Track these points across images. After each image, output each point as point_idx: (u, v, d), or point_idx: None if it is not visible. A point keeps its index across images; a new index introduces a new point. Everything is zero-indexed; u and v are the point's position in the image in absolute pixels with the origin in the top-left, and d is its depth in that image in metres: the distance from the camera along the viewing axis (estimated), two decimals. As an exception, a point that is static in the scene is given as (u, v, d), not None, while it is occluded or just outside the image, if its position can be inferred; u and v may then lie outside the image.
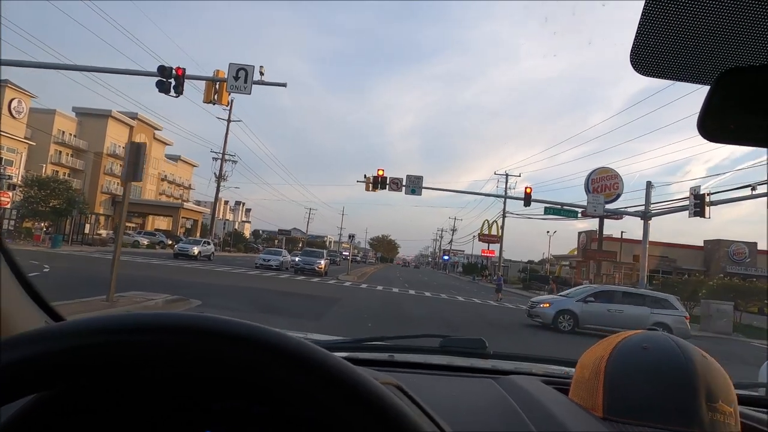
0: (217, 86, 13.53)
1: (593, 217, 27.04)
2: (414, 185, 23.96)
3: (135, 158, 8.55)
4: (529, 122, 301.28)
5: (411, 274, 63.99)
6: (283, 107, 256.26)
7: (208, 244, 36.51)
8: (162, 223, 65.43)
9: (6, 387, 0.42)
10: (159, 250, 42.12)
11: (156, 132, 67.81)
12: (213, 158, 47.84)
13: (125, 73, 13.45)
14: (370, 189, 23.80)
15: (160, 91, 12.79)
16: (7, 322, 0.75)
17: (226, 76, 13.27)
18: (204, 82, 13.77)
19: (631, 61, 0.66)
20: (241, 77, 13.00)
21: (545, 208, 25.47)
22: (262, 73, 13.28)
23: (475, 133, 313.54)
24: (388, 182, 23.66)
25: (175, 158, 77.09)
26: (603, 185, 34.48)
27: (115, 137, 60.44)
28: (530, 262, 74.34)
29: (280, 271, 30.48)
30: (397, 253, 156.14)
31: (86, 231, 39.10)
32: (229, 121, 47.01)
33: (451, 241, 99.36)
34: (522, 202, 23.95)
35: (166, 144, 72.70)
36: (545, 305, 15.26)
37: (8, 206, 26.77)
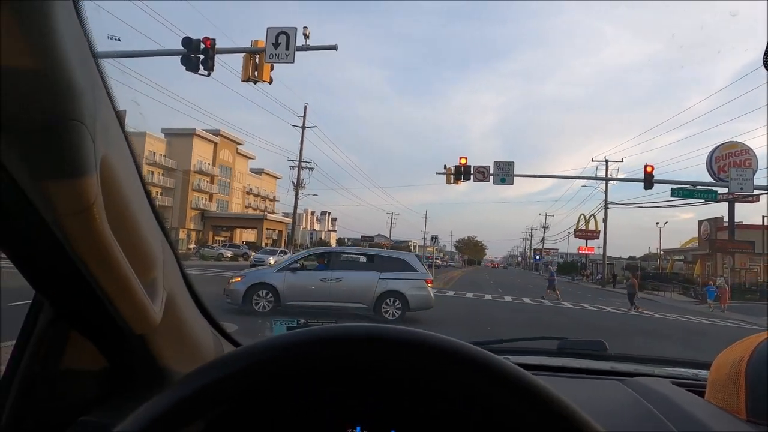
0: (257, 59, 11.25)
1: (735, 199, 21.76)
2: (504, 173, 20.39)
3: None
4: (617, 111, 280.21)
5: (501, 276, 59.42)
6: (359, 116, 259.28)
7: (285, 253, 35.13)
8: (249, 235, 66.53)
9: (222, 399, 0.48)
10: (242, 261, 41.71)
11: (239, 147, 69.52)
12: (290, 167, 47.08)
13: (149, 55, 11.59)
14: (452, 181, 20.60)
15: (187, 69, 10.74)
16: (193, 345, 0.82)
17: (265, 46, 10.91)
18: (240, 62, 11.52)
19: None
20: (282, 43, 10.59)
21: (672, 189, 20.67)
22: (306, 36, 10.80)
23: (559, 127, 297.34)
24: (472, 171, 20.30)
25: (258, 171, 78.84)
26: (731, 162, 28.62)
27: (201, 154, 62.39)
28: (631, 258, 67.10)
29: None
30: (484, 254, 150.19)
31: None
32: (303, 127, 46.06)
33: (543, 239, 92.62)
34: (633, 187, 19.50)
35: (249, 158, 74.25)
36: (236, 279, 10.92)
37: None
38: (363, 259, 11.88)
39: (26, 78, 0.41)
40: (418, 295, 10.99)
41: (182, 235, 55.84)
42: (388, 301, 11.05)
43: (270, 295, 10.56)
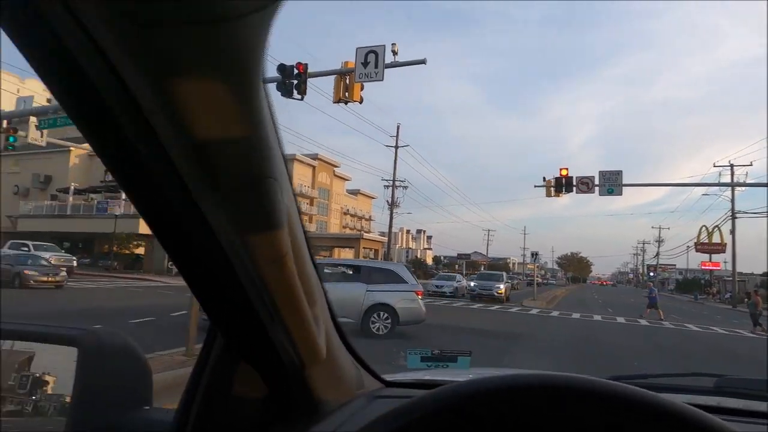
0: (347, 80, 11.38)
1: None
2: (611, 183, 18.78)
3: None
4: (741, 110, 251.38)
5: (610, 294, 55.08)
6: (452, 133, 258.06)
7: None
8: (347, 254, 68.22)
9: None
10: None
11: (335, 169, 72.18)
12: (385, 186, 47.78)
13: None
14: (552, 194, 19.38)
15: (282, 94, 11.10)
16: (341, 375, 0.85)
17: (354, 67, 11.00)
18: (330, 83, 11.74)
19: None
20: (371, 62, 10.61)
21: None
22: (395, 53, 10.73)
23: (671, 132, 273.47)
24: (575, 183, 18.95)
25: (354, 192, 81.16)
26: None
27: (301, 178, 65.56)
28: (765, 274, 59.02)
29: (455, 298, 27.36)
30: (590, 271, 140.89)
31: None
32: (396, 147, 46.59)
33: (657, 254, 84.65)
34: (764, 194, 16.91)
35: (345, 179, 76.70)
36: None
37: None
38: (349, 270, 11.20)
39: (239, 143, 0.45)
40: (408, 308, 10.28)
41: (285, 255, 58.43)
42: (376, 314, 10.33)
43: None
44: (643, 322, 20.05)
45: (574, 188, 19.11)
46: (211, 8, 0.34)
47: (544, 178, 19.85)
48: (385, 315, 10.28)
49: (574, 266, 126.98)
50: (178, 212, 0.54)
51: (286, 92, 11.12)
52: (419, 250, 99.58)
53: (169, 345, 7.29)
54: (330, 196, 72.21)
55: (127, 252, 34.02)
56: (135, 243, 34.34)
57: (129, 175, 0.52)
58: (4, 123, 18.16)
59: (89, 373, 0.68)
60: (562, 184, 19.10)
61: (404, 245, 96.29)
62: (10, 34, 0.40)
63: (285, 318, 0.62)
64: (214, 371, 0.73)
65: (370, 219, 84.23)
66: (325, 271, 10.76)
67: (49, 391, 0.73)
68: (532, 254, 35.00)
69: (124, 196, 31.51)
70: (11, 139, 18.06)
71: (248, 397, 0.74)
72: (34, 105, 20.51)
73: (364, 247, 62.97)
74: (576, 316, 21.13)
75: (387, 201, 47.54)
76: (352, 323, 9.99)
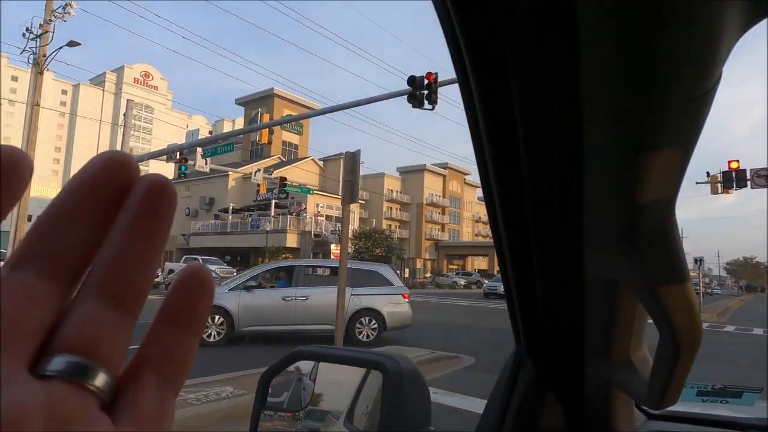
0: (478, 86, 11.07)
1: None
2: (799, 173, 15.83)
3: (351, 176, 6.58)
4: None
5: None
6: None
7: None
8: (481, 263, 67.08)
9: None
10: (475, 289, 41.94)
11: (465, 177, 71.62)
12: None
13: (377, 100, 12.46)
14: (720, 191, 16.90)
15: (413, 106, 11.17)
16: (631, 415, 0.85)
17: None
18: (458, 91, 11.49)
19: None
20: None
21: None
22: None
23: None
24: (749, 177, 16.31)
25: (486, 199, 79.69)
26: None
27: (432, 188, 66.20)
28: None
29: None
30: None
31: (406, 275, 42.04)
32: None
33: None
34: None
35: (476, 187, 75.66)
36: None
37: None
38: (328, 272, 10.19)
39: (662, 200, 0.48)
40: (396, 312, 9.43)
41: (419, 264, 59.29)
42: (362, 320, 9.47)
43: (222, 320, 8.94)
44: None
45: (749, 182, 16.44)
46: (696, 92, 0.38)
47: (707, 173, 17.43)
48: (372, 320, 9.60)
49: (749, 273, 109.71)
50: (548, 254, 0.58)
51: (417, 103, 11.19)
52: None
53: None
54: (461, 204, 71.79)
55: (277, 264, 37.11)
56: (284, 256, 37.39)
57: (517, 209, 0.55)
58: (177, 154, 21.03)
59: (393, 394, 0.74)
60: (732, 179, 16.57)
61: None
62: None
63: (680, 360, 0.59)
64: (523, 400, 0.74)
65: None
66: (306, 274, 9.94)
67: (356, 408, 0.82)
68: (696, 260, 30.81)
69: (273, 213, 34.19)
70: (183, 167, 20.81)
71: (552, 428, 0.75)
72: (200, 137, 23.54)
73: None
74: (759, 331, 18.05)
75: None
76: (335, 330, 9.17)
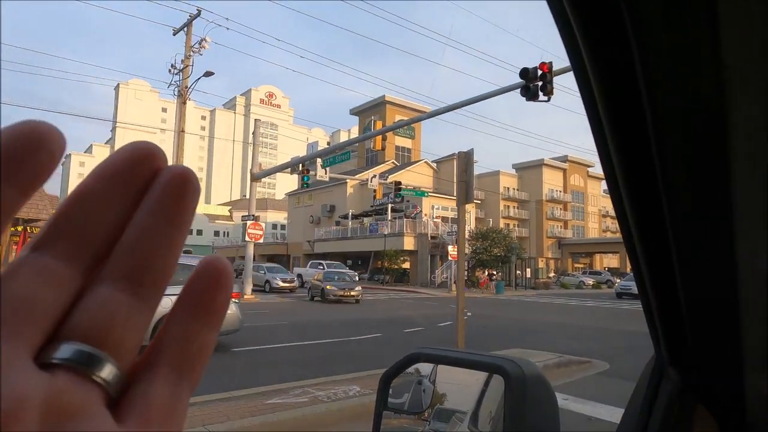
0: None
1: None
2: None
3: (464, 175, 6.48)
4: None
5: None
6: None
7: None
8: (611, 260, 62.38)
9: None
10: (606, 289, 39.01)
11: (589, 169, 67.05)
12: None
13: (488, 97, 12.10)
14: None
15: (527, 99, 10.70)
16: None
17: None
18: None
19: None
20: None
21: None
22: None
23: None
24: None
25: (613, 192, 73.86)
26: None
27: (552, 183, 63.00)
28: None
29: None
30: None
31: (528, 275, 40.35)
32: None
33: None
34: None
35: (601, 179, 70.45)
36: None
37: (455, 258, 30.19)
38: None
39: None
40: None
41: (541, 264, 56.70)
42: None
43: None
44: None
45: None
46: None
47: None
48: None
49: None
50: (692, 244, 0.52)
51: (531, 96, 10.72)
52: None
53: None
54: (585, 198, 67.34)
55: (395, 267, 37.90)
56: (402, 258, 38.03)
57: (650, 199, 0.50)
58: (300, 166, 22.47)
59: (515, 400, 0.72)
60: None
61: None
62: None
63: None
64: (667, 413, 0.68)
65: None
66: None
67: (477, 413, 0.82)
68: None
69: (390, 216, 34.90)
70: (305, 178, 22.17)
71: None
72: (318, 148, 24.92)
73: (630, 252, 56.42)
74: None
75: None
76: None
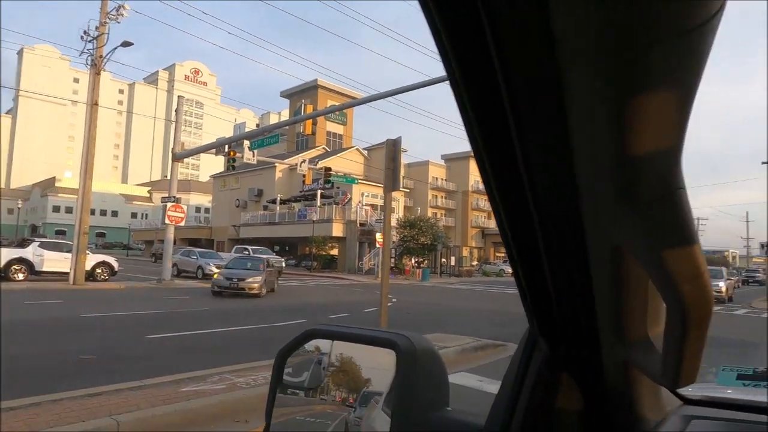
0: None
1: None
2: None
3: (392, 163, 6.54)
4: None
5: None
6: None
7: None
8: (529, 250, 65.78)
9: None
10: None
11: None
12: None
13: (420, 86, 12.27)
14: (789, 171, 15.76)
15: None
16: (657, 393, 0.81)
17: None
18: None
19: None
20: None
21: None
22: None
23: None
24: (822, 154, 15.09)
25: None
26: None
27: (478, 175, 64.23)
28: None
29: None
30: None
31: (453, 263, 41.68)
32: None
33: None
34: None
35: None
36: None
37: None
38: None
39: (662, 153, 0.43)
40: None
41: (465, 252, 58.70)
42: None
43: None
44: None
45: (823, 161, 15.22)
46: (688, 17, 0.34)
47: (776, 151, 16.25)
48: None
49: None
50: (548, 221, 0.54)
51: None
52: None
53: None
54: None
55: (323, 253, 37.73)
56: (330, 245, 37.90)
57: (508, 179, 0.51)
58: (226, 147, 21.65)
59: (406, 373, 0.73)
60: (803, 158, 15.40)
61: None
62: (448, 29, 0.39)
63: (687, 338, 0.55)
64: (537, 382, 0.72)
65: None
66: None
67: (369, 387, 0.83)
68: (762, 245, 28.93)
69: (319, 202, 34.65)
70: (231, 160, 21.42)
71: (570, 411, 0.73)
72: (246, 130, 24.08)
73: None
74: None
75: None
76: None
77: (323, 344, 0.86)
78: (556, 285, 0.62)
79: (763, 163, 16.87)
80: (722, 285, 22.46)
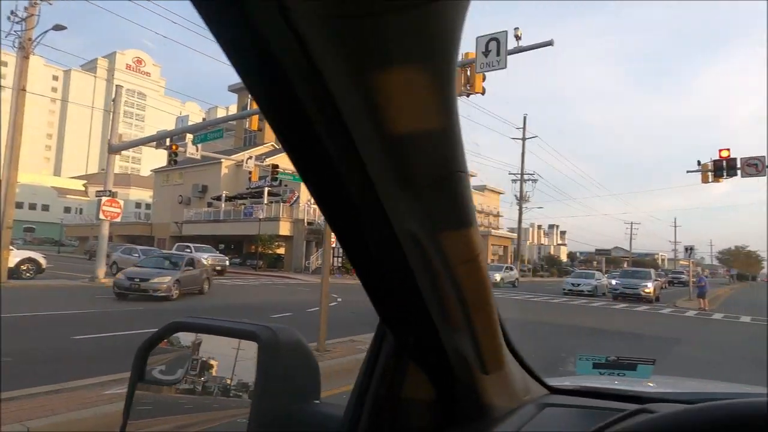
0: (468, 72, 10.98)
1: None
2: (788, 163, 15.87)
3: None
4: None
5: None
6: (585, 120, 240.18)
7: (511, 269, 34.13)
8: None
9: None
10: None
11: (460, 165, 71.42)
12: (512, 180, 46.48)
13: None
14: (710, 180, 16.93)
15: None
16: (510, 380, 0.82)
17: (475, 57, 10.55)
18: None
19: None
20: (492, 50, 10.07)
21: None
22: (518, 37, 10.05)
23: None
24: (739, 165, 16.34)
25: (481, 188, 79.56)
26: None
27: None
28: None
29: (594, 297, 25.33)
30: (761, 268, 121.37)
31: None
32: (524, 139, 44.68)
33: None
34: None
35: (471, 176, 75.38)
36: None
37: (335, 245, 30.36)
38: None
39: (432, 135, 0.42)
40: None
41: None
42: None
43: None
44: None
45: (739, 171, 16.47)
46: None
47: (698, 161, 17.44)
48: None
49: (740, 262, 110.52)
50: (361, 211, 0.54)
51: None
52: (552, 246, 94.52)
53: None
54: (456, 193, 71.56)
55: (270, 252, 37.03)
56: (277, 244, 37.26)
57: (316, 172, 0.52)
58: (168, 141, 20.83)
59: (267, 365, 0.71)
60: (722, 168, 16.60)
61: (535, 241, 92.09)
62: (214, 30, 0.40)
63: (476, 319, 0.57)
64: (385, 372, 0.73)
65: (498, 215, 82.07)
66: None
67: (234, 380, 0.80)
68: (686, 249, 30.97)
69: (266, 200, 33.89)
70: (173, 154, 20.62)
71: (417, 399, 0.74)
72: (190, 123, 23.29)
73: (493, 244, 61.44)
74: (746, 319, 18.20)
75: (515, 196, 45.98)
76: None
77: (190, 337, 0.83)
78: (385, 277, 0.63)
79: (688, 171, 18.01)
80: (650, 286, 23.81)
